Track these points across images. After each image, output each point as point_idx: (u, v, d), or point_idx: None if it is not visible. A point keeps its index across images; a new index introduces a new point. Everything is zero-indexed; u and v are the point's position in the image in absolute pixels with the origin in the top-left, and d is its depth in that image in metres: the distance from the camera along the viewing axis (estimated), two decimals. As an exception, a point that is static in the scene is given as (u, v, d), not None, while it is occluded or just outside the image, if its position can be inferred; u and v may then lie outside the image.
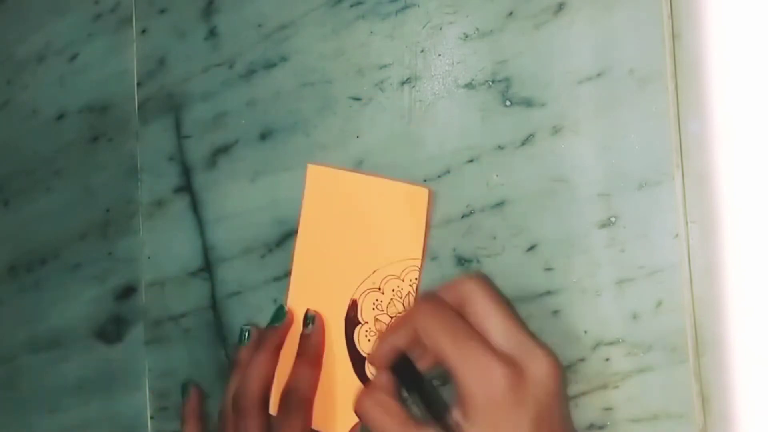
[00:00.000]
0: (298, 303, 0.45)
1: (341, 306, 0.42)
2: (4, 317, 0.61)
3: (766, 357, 0.34)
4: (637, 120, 0.36)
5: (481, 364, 0.34)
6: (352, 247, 0.43)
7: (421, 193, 0.42)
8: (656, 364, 0.36)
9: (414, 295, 0.42)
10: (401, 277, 0.42)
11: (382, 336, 0.38)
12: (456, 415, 0.35)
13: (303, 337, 0.44)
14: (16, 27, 0.61)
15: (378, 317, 0.43)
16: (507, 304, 0.37)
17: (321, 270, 0.45)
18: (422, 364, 0.38)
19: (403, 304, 0.42)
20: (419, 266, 0.42)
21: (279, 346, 0.45)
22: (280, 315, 0.45)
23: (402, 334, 0.37)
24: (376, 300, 0.43)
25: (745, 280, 0.35)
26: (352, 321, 0.43)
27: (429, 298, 0.37)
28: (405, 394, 0.38)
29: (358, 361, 0.43)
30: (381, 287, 0.42)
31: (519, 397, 0.33)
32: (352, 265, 0.41)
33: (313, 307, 0.44)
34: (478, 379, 0.34)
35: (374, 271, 0.43)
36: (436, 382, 0.37)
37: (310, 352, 0.43)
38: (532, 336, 0.36)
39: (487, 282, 0.37)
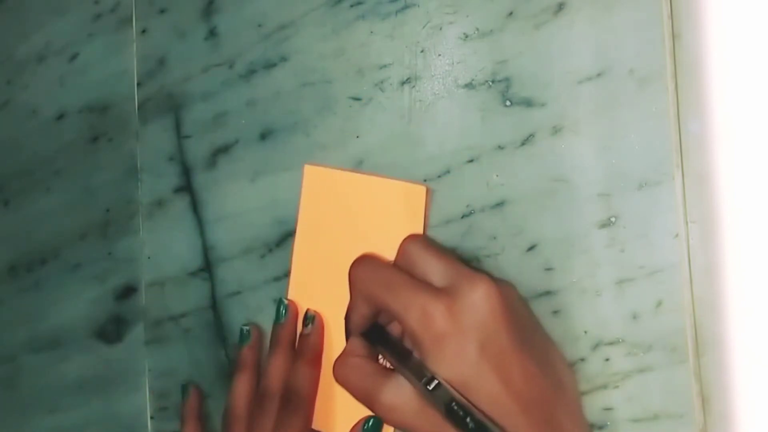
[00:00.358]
0: (297, 303, 0.45)
1: (341, 305, 0.42)
2: (4, 317, 0.61)
3: (766, 357, 0.34)
4: (637, 120, 0.36)
5: (418, 306, 0.35)
6: (351, 246, 0.43)
7: (419, 191, 0.42)
8: (656, 364, 0.36)
9: None
10: None
11: (346, 317, 0.40)
12: (416, 356, 0.36)
13: (302, 337, 0.44)
14: (16, 27, 0.61)
15: None
16: (442, 248, 0.39)
17: (320, 270, 0.45)
18: (386, 317, 0.39)
19: None
20: None
21: (293, 342, 0.45)
22: (283, 311, 0.45)
23: (358, 306, 0.39)
24: None
25: (745, 280, 0.35)
26: None
27: (358, 263, 0.39)
28: (379, 353, 0.39)
29: None
30: None
31: (458, 325, 0.34)
32: (349, 264, 0.41)
33: (313, 306, 0.44)
34: (419, 321, 0.35)
35: None
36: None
37: (309, 352, 0.43)
38: (469, 267, 0.37)
39: (419, 237, 0.39)
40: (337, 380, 0.39)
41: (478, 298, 0.35)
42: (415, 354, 0.36)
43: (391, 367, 0.38)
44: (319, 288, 0.45)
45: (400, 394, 0.36)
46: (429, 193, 0.42)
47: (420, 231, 0.42)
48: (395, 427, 0.36)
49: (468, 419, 0.33)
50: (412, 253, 0.38)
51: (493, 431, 0.32)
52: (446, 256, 0.37)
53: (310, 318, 0.44)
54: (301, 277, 0.45)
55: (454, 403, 0.33)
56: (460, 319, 0.34)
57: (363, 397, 0.37)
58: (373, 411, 0.37)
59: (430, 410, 0.34)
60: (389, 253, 0.40)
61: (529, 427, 0.34)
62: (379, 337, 0.39)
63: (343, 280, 0.40)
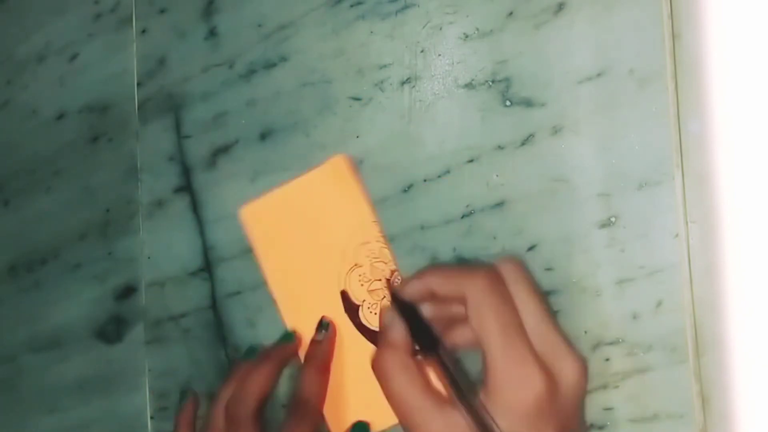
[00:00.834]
0: (294, 323, 0.45)
1: (337, 305, 0.42)
2: (4, 317, 0.61)
3: (766, 357, 0.34)
4: (637, 120, 0.36)
5: (523, 367, 0.33)
6: (315, 249, 0.44)
7: (339, 162, 0.43)
8: (656, 364, 0.36)
9: (385, 246, 0.42)
10: (368, 240, 0.43)
11: (422, 274, 0.36)
12: (483, 399, 0.33)
13: (313, 343, 0.44)
14: (16, 27, 0.61)
15: (370, 289, 0.43)
16: (543, 296, 0.36)
17: (300, 287, 0.45)
18: (454, 338, 0.36)
19: (382, 261, 0.42)
20: (376, 220, 0.43)
21: (282, 363, 0.44)
22: (288, 337, 0.45)
23: (444, 284, 0.35)
24: (360, 275, 0.43)
25: (745, 280, 0.35)
26: (352, 308, 0.43)
27: (486, 273, 0.35)
28: (417, 354, 0.36)
29: (375, 338, 0.42)
30: (356, 262, 0.43)
31: (550, 405, 0.33)
32: (323, 265, 0.42)
33: (311, 317, 0.44)
34: (516, 381, 0.33)
35: (343, 253, 0.43)
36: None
37: (319, 359, 0.43)
38: (565, 337, 0.35)
39: (526, 268, 0.36)
40: (376, 373, 0.36)
41: (575, 384, 0.34)
42: (483, 396, 0.33)
43: (436, 380, 0.35)
44: (308, 302, 0.45)
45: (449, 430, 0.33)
46: (350, 159, 0.43)
47: (360, 194, 0.43)
48: None
49: None
50: (517, 286, 0.35)
51: None
52: (548, 315, 0.35)
53: (325, 325, 0.44)
54: (287, 300, 0.46)
55: None
56: (555, 401, 0.33)
57: (405, 409, 0.34)
58: (407, 426, 0.34)
59: None
60: (348, 231, 0.42)
61: None
62: (428, 341, 0.35)
63: (324, 282, 0.41)
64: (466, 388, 0.34)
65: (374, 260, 0.43)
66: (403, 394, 0.34)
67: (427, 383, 0.35)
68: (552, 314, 0.36)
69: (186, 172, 0.51)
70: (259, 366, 0.43)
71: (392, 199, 0.43)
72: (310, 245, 0.44)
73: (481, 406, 0.33)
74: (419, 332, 0.36)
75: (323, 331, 0.43)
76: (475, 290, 0.34)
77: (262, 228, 0.46)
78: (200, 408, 0.49)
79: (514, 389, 0.33)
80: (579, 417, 0.36)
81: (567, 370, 0.34)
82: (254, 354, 0.46)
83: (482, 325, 0.33)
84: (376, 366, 0.36)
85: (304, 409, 0.42)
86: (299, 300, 0.45)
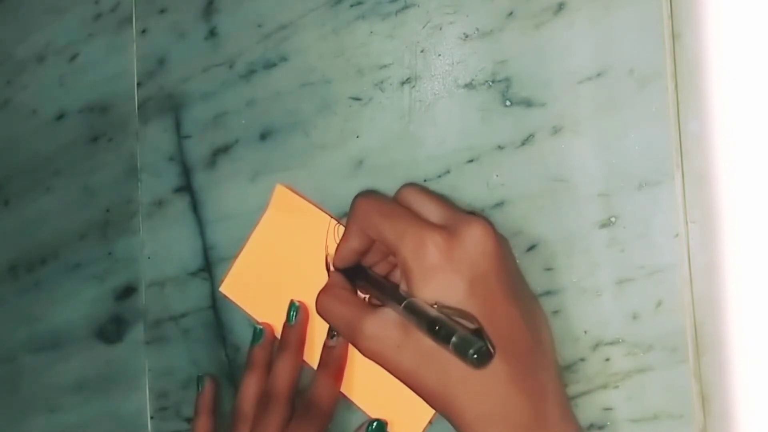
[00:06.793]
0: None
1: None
2: (4, 317, 0.61)
3: (766, 357, 0.34)
4: (637, 120, 0.36)
5: (415, 236, 0.35)
6: (303, 279, 0.45)
7: (281, 191, 0.45)
8: (656, 364, 0.36)
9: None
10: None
11: (339, 245, 0.40)
12: (403, 288, 0.36)
13: (326, 348, 0.44)
14: (16, 27, 0.61)
15: None
16: (440, 194, 0.40)
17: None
18: (373, 259, 0.40)
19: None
20: (339, 221, 0.44)
21: (302, 343, 0.45)
22: (295, 312, 0.45)
23: (351, 238, 0.39)
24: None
25: (745, 280, 0.35)
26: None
27: (362, 194, 0.39)
28: (360, 291, 0.40)
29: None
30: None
31: (452, 260, 0.34)
32: (316, 288, 0.42)
33: (319, 347, 0.45)
34: (414, 250, 0.35)
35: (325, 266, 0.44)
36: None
37: (334, 364, 0.43)
38: (466, 211, 0.38)
39: (416, 184, 0.40)
40: (318, 311, 0.39)
41: (474, 237, 0.35)
42: (403, 285, 0.36)
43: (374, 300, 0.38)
44: (318, 332, 0.45)
45: (383, 324, 0.35)
46: (287, 185, 0.45)
47: (315, 209, 0.44)
48: (374, 359, 0.36)
49: (453, 335, 0.31)
50: (410, 197, 0.38)
51: (476, 343, 0.31)
52: (444, 201, 0.38)
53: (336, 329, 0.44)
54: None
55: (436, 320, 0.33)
56: (454, 253, 0.34)
57: (345, 326, 0.37)
58: (353, 342, 0.37)
59: (411, 345, 0.34)
60: (324, 246, 0.43)
61: (509, 375, 0.34)
62: (361, 275, 0.40)
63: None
64: (390, 289, 0.37)
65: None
66: (341, 314, 0.38)
67: (362, 302, 0.38)
68: (452, 202, 0.40)
69: (186, 172, 0.51)
70: (283, 355, 0.44)
71: (392, 199, 0.43)
72: (298, 278, 0.45)
73: (404, 292, 0.35)
74: (355, 277, 0.40)
75: (335, 336, 0.43)
76: (359, 215, 0.38)
77: (248, 292, 0.47)
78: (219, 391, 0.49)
79: (415, 256, 0.35)
80: (505, 277, 0.35)
81: (467, 227, 0.35)
82: (260, 337, 0.46)
83: (375, 231, 0.37)
84: (317, 307, 0.39)
85: (315, 413, 0.42)
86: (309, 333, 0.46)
